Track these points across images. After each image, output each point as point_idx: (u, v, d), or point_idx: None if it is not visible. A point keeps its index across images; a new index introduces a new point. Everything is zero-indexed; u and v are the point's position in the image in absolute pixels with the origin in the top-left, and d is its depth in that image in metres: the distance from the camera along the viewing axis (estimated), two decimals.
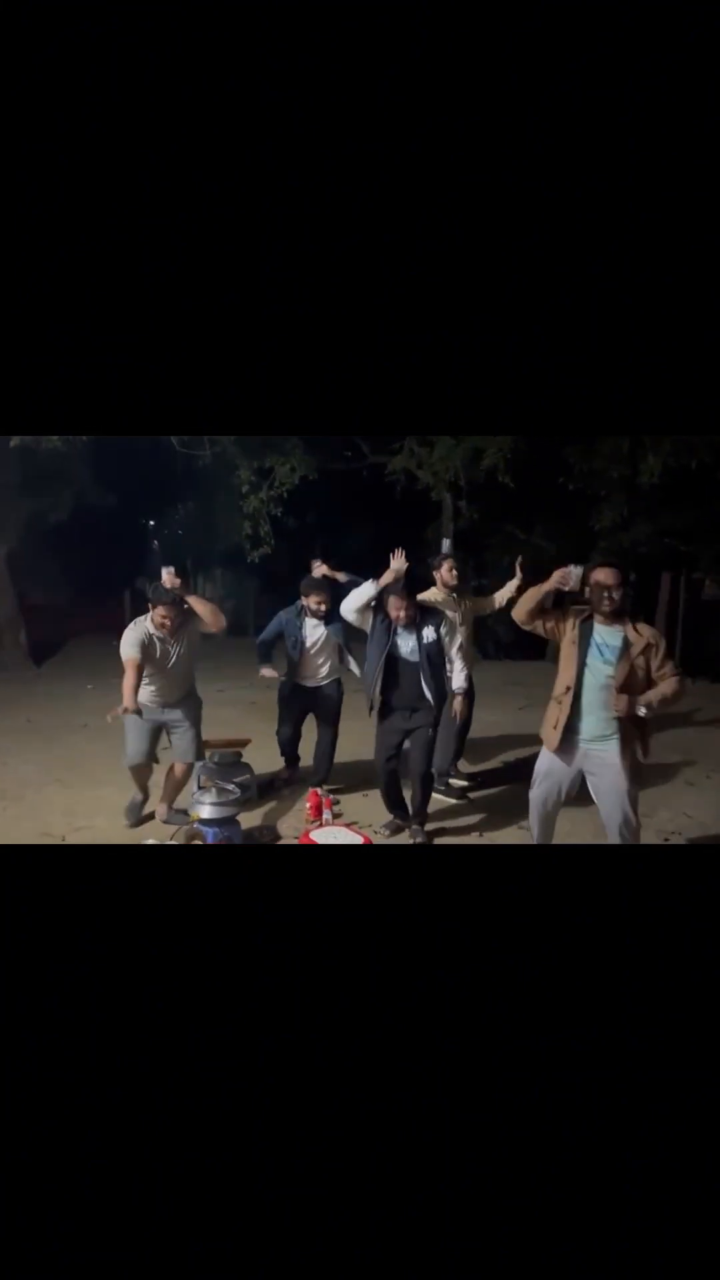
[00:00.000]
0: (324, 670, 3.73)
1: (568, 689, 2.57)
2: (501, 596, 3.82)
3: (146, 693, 3.18)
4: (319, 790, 3.59)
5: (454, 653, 3.23)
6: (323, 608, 3.57)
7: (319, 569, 3.72)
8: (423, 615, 3.11)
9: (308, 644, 3.65)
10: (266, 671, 3.78)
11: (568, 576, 2.56)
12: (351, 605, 3.13)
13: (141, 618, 3.18)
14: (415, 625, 3.08)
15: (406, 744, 3.18)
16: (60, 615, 10.50)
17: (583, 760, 2.60)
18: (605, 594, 2.53)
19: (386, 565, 3.16)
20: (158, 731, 3.32)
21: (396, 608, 3.03)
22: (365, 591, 3.10)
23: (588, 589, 2.58)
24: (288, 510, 8.08)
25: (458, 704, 3.36)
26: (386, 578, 3.08)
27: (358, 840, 2.86)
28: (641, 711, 2.48)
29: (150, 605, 3.13)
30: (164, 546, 14.24)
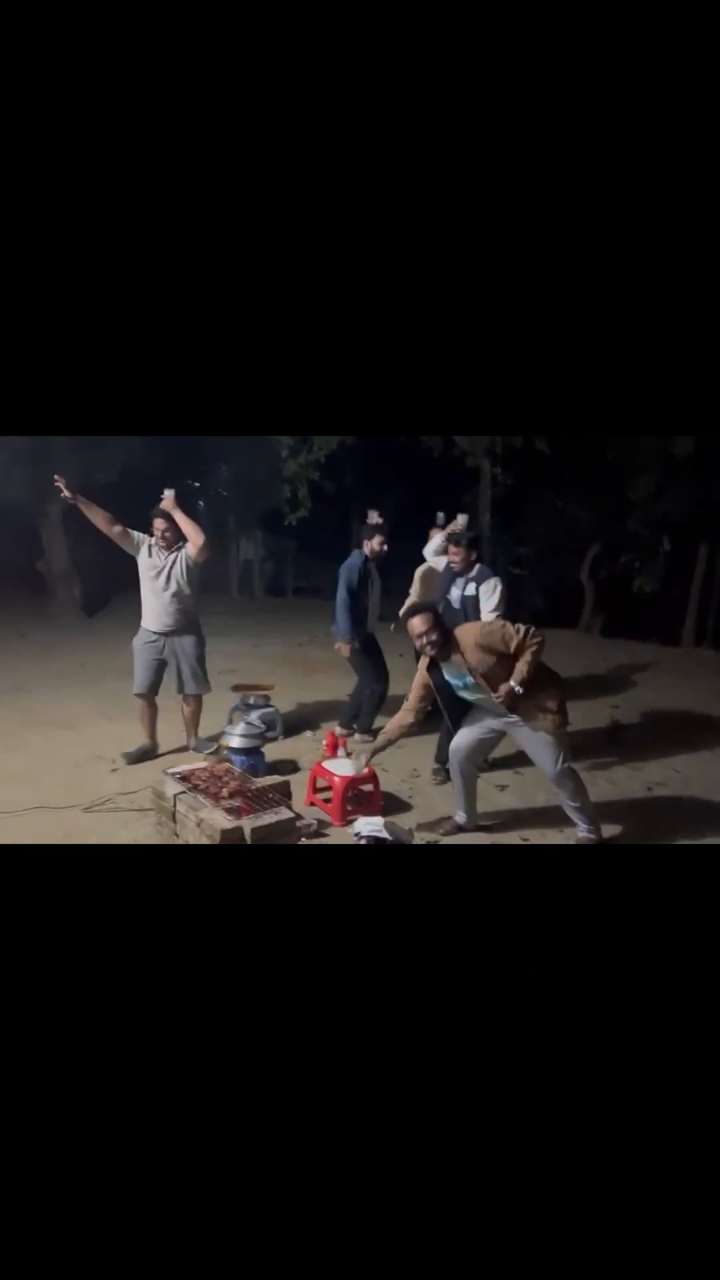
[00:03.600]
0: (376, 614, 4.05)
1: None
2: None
3: (148, 615, 3.72)
4: (336, 731, 3.95)
5: (489, 612, 3.34)
6: (385, 549, 3.88)
7: (374, 516, 3.98)
8: (471, 569, 3.49)
9: (379, 588, 3.96)
10: (344, 647, 3.76)
11: None
12: (436, 547, 3.78)
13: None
14: (465, 576, 3.51)
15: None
16: (109, 570, 10.97)
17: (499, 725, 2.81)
18: (421, 641, 2.65)
19: (423, 529, 3.88)
20: (161, 665, 3.75)
21: (454, 554, 3.50)
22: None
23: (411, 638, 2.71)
24: (325, 474, 8.33)
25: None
26: (453, 526, 3.73)
27: (362, 770, 3.20)
28: (519, 692, 2.58)
29: (152, 520, 3.76)
30: (209, 507, 14.60)
